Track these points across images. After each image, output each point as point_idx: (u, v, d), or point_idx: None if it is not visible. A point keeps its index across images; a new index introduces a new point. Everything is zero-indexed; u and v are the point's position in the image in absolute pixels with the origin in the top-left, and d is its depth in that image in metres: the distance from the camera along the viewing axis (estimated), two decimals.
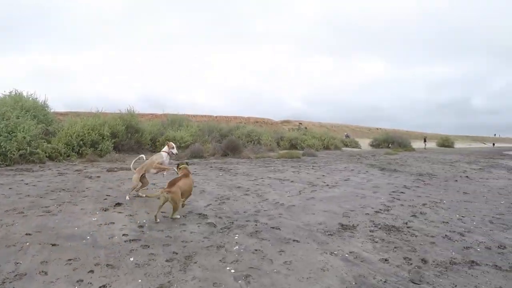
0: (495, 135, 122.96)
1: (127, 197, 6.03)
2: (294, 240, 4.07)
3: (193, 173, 7.15)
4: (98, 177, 8.65)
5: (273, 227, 4.57)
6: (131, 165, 6.33)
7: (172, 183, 4.81)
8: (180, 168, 5.58)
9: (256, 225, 4.66)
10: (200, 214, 5.17)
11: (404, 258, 3.63)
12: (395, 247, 3.97)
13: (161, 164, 6.13)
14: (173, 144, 6.52)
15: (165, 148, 6.37)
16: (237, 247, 3.79)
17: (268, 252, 3.66)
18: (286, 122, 48.33)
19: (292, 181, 8.84)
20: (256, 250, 3.71)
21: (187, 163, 5.77)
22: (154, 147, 16.41)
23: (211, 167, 11.71)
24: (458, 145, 61.72)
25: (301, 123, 45.77)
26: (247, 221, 4.86)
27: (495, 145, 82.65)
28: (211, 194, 6.73)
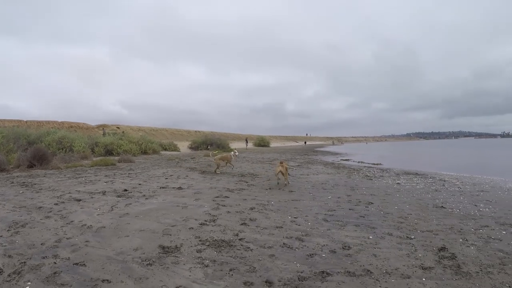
0: (307, 134, 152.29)
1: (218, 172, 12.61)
2: (104, 281, 3.25)
3: None
4: None
5: (76, 263, 3.68)
6: (210, 155, 14.88)
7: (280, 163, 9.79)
8: (281, 163, 9.73)
9: (55, 263, 3.71)
10: None
11: (245, 284, 3.16)
12: (230, 270, 3.44)
13: (231, 158, 13.63)
14: (237, 152, 15.00)
15: (232, 153, 14.07)
16: None
17: None
18: (103, 126, 48.06)
19: (104, 193, 8.01)
20: None
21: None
22: None
23: (12, 182, 10.31)
24: (274, 144, 71.19)
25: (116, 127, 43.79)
26: (43, 257, 3.87)
27: (307, 143, 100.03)
28: (4, 221, 5.52)
